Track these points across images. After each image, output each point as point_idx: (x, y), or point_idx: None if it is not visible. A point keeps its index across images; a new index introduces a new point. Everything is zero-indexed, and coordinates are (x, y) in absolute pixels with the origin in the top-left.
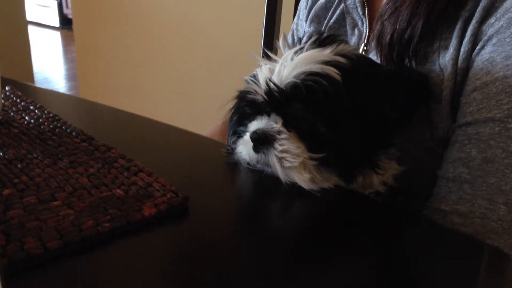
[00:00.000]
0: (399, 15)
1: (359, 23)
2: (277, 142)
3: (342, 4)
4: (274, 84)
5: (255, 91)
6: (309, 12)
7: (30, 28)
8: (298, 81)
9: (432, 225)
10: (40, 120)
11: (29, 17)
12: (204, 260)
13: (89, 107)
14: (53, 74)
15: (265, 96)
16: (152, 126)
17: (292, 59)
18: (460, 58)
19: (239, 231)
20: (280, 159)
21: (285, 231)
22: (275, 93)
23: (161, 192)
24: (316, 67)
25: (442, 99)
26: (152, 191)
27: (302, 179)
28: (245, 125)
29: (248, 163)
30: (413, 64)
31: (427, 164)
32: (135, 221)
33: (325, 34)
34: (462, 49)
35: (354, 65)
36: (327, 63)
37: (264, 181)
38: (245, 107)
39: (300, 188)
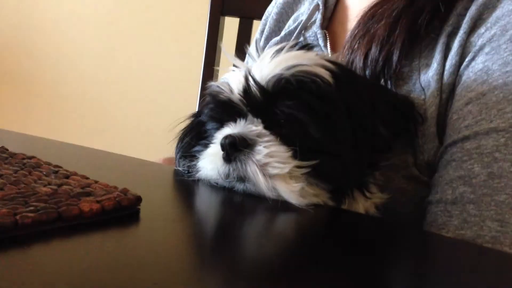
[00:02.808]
0: (374, 34)
1: None
2: (259, 145)
3: (301, 37)
4: (254, 79)
5: (230, 90)
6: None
7: None
8: (286, 74)
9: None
10: None
11: None
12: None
13: None
14: None
15: (241, 95)
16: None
17: (272, 58)
18: (446, 72)
19: (200, 248)
20: (263, 166)
21: (260, 254)
22: (255, 91)
23: (105, 191)
24: (306, 64)
25: (428, 118)
26: (92, 190)
27: (291, 190)
28: (203, 145)
29: (214, 181)
30: (389, 86)
31: (410, 194)
32: (70, 216)
33: (301, 43)
34: (448, 63)
35: (343, 71)
36: (317, 63)
37: (233, 198)
38: (213, 111)
39: (280, 204)
